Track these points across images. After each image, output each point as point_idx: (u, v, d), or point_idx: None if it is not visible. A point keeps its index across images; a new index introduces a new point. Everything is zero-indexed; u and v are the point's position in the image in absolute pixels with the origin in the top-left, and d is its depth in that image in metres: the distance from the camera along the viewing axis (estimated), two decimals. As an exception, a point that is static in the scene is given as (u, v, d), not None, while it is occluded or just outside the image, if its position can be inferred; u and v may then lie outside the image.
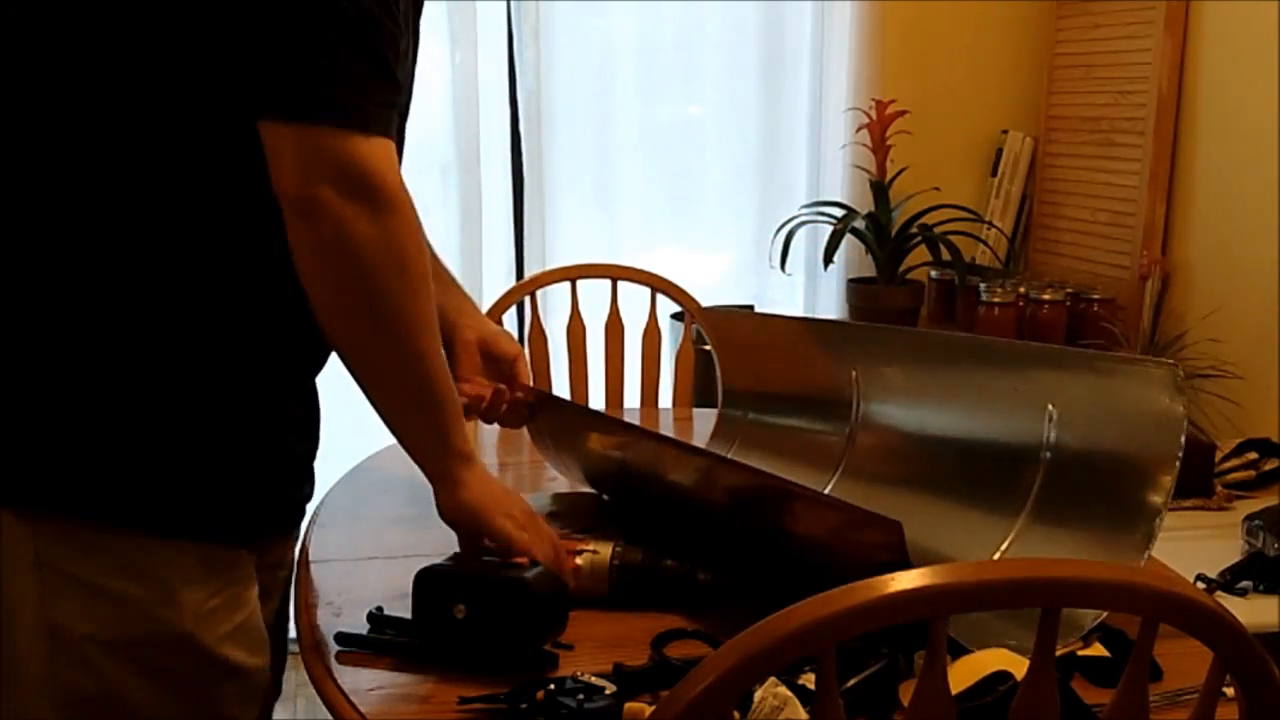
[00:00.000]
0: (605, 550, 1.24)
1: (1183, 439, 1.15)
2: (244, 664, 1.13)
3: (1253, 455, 2.23)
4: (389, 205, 1.03)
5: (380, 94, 1.03)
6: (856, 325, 1.67)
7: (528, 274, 2.84)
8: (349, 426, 1.47)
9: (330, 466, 1.67)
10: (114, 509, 1.04)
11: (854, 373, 1.53)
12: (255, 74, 0.99)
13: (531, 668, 1.10)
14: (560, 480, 1.67)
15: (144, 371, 1.05)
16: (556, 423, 1.51)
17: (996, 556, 1.25)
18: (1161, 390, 1.18)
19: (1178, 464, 1.15)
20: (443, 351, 1.12)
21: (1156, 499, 1.17)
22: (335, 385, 1.21)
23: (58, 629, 1.05)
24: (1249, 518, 1.87)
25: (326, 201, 1.00)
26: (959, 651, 1.08)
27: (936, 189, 2.94)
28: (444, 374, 1.12)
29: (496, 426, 1.49)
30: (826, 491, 1.49)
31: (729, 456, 1.66)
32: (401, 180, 1.05)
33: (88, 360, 1.04)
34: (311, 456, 1.25)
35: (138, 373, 1.05)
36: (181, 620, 1.07)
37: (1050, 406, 1.27)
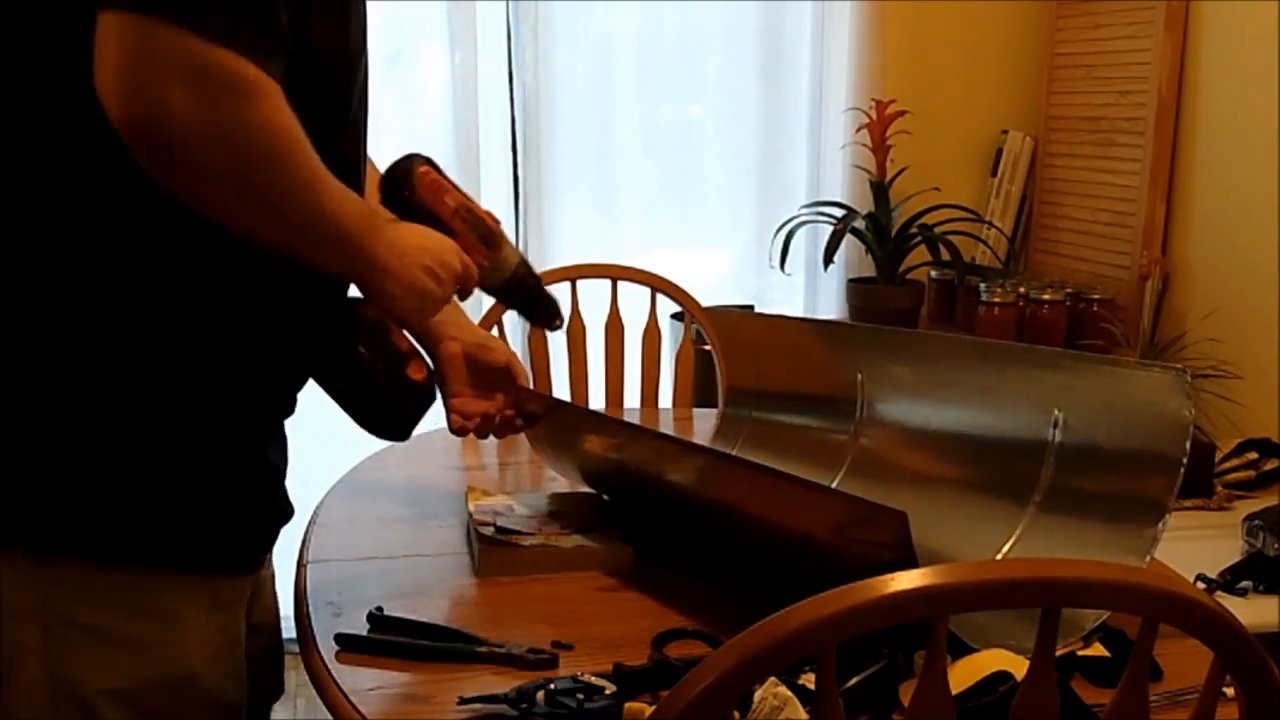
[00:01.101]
0: (514, 261, 1.36)
1: (1188, 444, 1.15)
2: (234, 701, 1.11)
3: (1253, 455, 2.23)
4: (249, 91, 0.87)
5: (251, 14, 0.87)
6: (862, 327, 1.66)
7: (527, 274, 2.84)
8: (346, 429, 1.47)
9: (328, 469, 1.67)
10: (128, 545, 1.01)
11: (860, 374, 1.53)
12: None
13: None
14: (560, 480, 1.67)
15: (150, 401, 1.01)
16: (556, 426, 1.51)
17: (999, 556, 1.25)
18: (1170, 395, 1.18)
19: (1182, 468, 1.15)
20: (330, 176, 0.98)
21: (1160, 501, 1.17)
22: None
23: (63, 682, 1.01)
24: (1249, 518, 1.87)
25: (169, 102, 0.84)
26: (959, 651, 1.08)
27: (936, 189, 2.94)
28: (334, 198, 0.99)
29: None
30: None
31: (732, 454, 1.65)
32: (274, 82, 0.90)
33: (96, 396, 0.99)
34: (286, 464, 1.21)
35: (144, 402, 1.01)
36: (189, 660, 1.05)
37: (1056, 410, 1.27)
